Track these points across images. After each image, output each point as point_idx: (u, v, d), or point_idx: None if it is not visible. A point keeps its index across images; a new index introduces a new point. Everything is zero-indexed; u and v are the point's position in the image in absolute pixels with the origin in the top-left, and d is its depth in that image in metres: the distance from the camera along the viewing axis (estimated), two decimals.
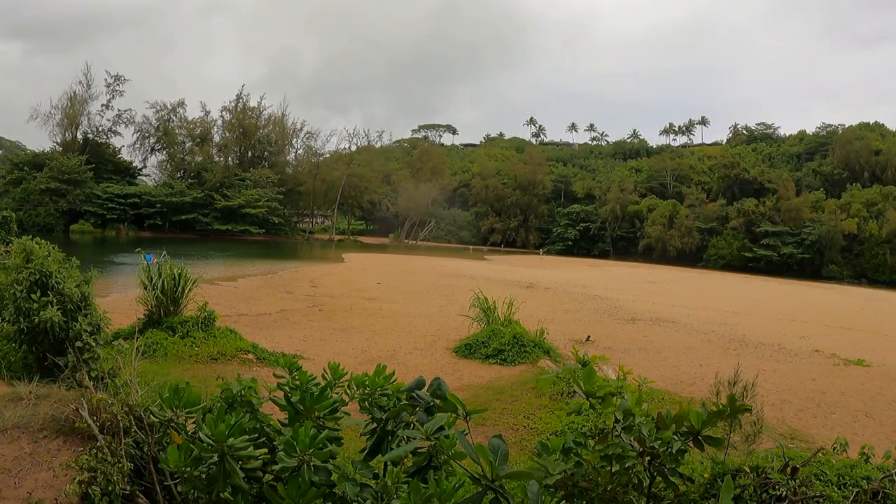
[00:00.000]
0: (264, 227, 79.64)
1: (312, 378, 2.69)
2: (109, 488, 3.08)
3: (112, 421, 3.32)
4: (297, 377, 2.68)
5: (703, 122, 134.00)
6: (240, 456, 2.20)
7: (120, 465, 3.16)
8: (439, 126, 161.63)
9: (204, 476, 2.20)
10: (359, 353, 13.28)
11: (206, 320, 11.78)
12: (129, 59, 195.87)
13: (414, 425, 2.28)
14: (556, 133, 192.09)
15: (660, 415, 2.14)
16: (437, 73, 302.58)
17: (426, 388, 2.46)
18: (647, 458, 2.13)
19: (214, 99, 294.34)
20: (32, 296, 5.53)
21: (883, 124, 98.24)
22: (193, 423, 2.57)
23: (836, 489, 3.22)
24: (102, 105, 77.90)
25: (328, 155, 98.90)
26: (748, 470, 3.29)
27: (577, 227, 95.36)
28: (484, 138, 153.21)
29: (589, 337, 16.65)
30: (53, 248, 6.09)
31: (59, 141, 75.68)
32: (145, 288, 12.07)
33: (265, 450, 2.38)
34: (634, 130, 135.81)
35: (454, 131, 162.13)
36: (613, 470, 2.12)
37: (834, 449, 4.18)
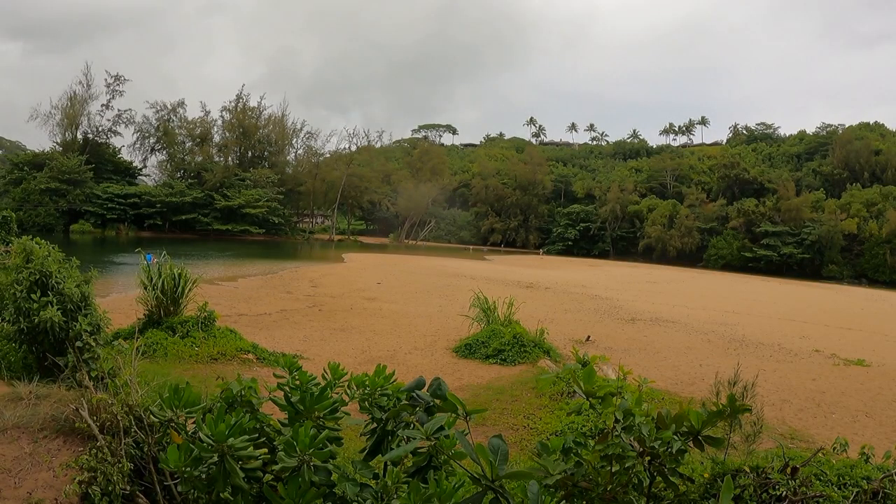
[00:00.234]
0: (264, 227, 79.65)
1: (312, 378, 2.69)
2: (109, 488, 3.08)
3: (112, 421, 3.32)
4: (297, 377, 2.68)
5: (703, 122, 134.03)
6: (240, 456, 2.20)
7: (120, 465, 3.16)
8: (439, 126, 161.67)
9: (204, 476, 2.20)
10: (359, 353, 13.28)
11: (206, 320, 11.78)
12: (129, 59, 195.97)
13: (414, 425, 2.28)
14: (556, 133, 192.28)
15: (660, 415, 2.14)
16: (437, 73, 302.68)
17: (426, 388, 2.46)
18: (647, 458, 2.13)
19: (214, 99, 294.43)
20: (32, 296, 5.53)
21: (883, 124, 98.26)
22: (193, 423, 2.57)
23: (836, 489, 3.22)
24: (102, 105, 77.94)
25: (328, 155, 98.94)
26: (748, 470, 3.29)
27: (577, 227, 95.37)
28: (484, 138, 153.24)
29: (589, 337, 16.65)
30: (53, 248, 6.09)
31: (59, 141, 75.71)
32: (145, 288, 12.07)
33: (265, 450, 2.38)
34: (634, 130, 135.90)
35: (454, 131, 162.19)
36: (613, 470, 2.12)
37: (834, 449, 4.18)
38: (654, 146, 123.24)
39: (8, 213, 26.54)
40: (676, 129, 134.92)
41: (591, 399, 2.24)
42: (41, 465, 3.19)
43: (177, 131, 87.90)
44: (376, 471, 2.37)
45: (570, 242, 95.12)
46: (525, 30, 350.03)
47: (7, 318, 5.84)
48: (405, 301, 23.53)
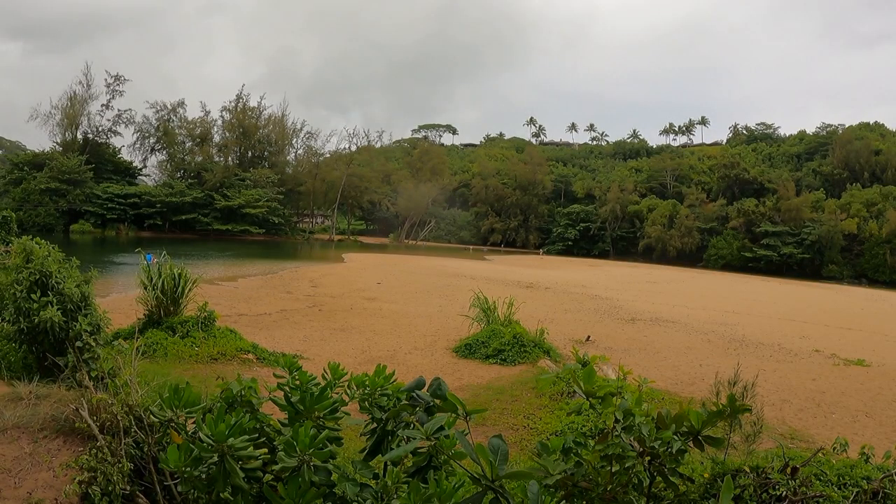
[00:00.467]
0: (264, 227, 79.65)
1: (312, 378, 2.69)
2: (109, 488, 3.08)
3: (112, 421, 3.32)
4: (297, 377, 2.68)
5: (703, 122, 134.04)
6: (240, 456, 2.20)
7: (120, 465, 3.16)
8: (439, 126, 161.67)
9: (204, 476, 2.20)
10: (359, 353, 13.28)
11: (206, 320, 11.78)
12: (130, 59, 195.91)
13: (414, 425, 2.28)
14: (556, 133, 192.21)
15: (660, 415, 2.14)
16: (437, 73, 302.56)
17: (426, 388, 2.46)
18: (647, 458, 2.13)
19: (214, 99, 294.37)
20: (32, 296, 5.53)
21: (883, 124, 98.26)
22: (193, 423, 2.57)
23: (836, 489, 3.22)
24: (102, 105, 77.94)
25: (328, 155, 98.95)
26: (748, 470, 3.29)
27: (577, 227, 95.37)
28: (484, 138, 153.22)
29: (589, 337, 16.65)
30: (53, 248, 6.09)
31: (59, 141, 75.72)
32: (145, 288, 12.07)
33: (265, 450, 2.38)
34: (634, 130, 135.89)
35: (454, 131, 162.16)
36: (613, 470, 2.12)
37: (834, 449, 4.18)
38: (654, 146, 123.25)
39: (8, 213, 26.55)
40: (676, 129, 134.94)
41: (591, 399, 2.24)
42: (41, 465, 3.19)
43: (177, 131, 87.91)
44: (376, 471, 2.37)
45: (570, 242, 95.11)
46: (525, 30, 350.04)
47: (7, 318, 5.84)
48: (405, 301, 23.53)
